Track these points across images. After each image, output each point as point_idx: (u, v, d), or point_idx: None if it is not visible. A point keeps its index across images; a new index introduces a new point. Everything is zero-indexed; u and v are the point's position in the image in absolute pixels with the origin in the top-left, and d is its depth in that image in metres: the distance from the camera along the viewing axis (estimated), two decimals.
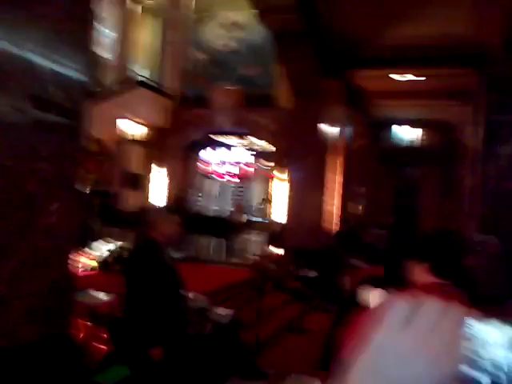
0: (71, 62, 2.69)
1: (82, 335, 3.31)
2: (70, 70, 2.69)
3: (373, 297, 2.18)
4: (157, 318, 2.61)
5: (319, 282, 7.70)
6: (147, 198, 17.14)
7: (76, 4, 2.70)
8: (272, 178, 15.86)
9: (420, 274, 2.01)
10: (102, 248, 6.74)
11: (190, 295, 4.61)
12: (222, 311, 4.68)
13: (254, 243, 11.13)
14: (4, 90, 2.31)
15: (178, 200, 15.39)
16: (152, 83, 17.92)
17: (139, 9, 19.34)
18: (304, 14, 7.74)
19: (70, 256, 2.80)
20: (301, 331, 6.30)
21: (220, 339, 4.33)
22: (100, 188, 13.62)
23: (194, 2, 18.49)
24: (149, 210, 3.52)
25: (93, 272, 6.48)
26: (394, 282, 2.16)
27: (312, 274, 7.81)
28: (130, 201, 16.01)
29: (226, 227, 10.22)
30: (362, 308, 2.06)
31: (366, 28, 8.69)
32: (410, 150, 15.94)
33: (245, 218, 11.92)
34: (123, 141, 16.55)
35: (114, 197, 14.47)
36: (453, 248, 2.11)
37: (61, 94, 2.62)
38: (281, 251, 10.26)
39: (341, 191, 12.20)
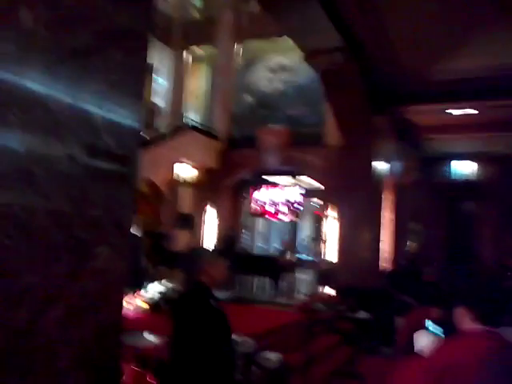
0: (123, 111, 2.79)
1: (128, 381, 3.29)
2: (122, 118, 2.78)
3: (427, 342, 2.11)
4: (205, 365, 2.56)
5: (371, 324, 7.41)
6: (199, 238, 17.37)
7: (130, 55, 2.82)
8: (322, 216, 15.71)
9: (467, 321, 1.98)
10: (154, 289, 6.80)
11: (238, 339, 4.55)
12: (270, 355, 4.57)
13: (303, 283, 10.94)
14: (59, 138, 2.41)
15: (228, 240, 15.48)
16: (202, 127, 18.49)
17: (190, 57, 20.21)
18: (353, 54, 7.79)
19: (120, 300, 2.83)
20: (354, 376, 6.05)
21: None
22: (152, 229, 13.95)
23: (242, 48, 19.13)
24: (198, 253, 3.52)
25: (144, 314, 6.53)
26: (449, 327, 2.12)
27: (364, 315, 7.54)
28: (181, 241, 16.27)
29: (275, 266, 10.11)
30: (416, 354, 2.06)
31: (417, 62, 8.63)
32: (465, 184, 15.42)
33: (294, 256, 11.77)
34: (176, 183, 17.02)
35: (166, 238, 14.75)
36: (498, 296, 2.04)
37: (113, 142, 2.71)
38: (331, 291, 10.01)
39: (393, 228, 11.89)
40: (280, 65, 19.02)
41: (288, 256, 11.58)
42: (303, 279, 11.80)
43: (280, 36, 16.70)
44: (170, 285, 6.97)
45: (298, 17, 7.36)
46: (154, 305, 6.50)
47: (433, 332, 2.16)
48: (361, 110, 9.20)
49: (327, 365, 6.03)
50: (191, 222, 17.25)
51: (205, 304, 2.67)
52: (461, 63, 8.33)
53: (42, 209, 2.34)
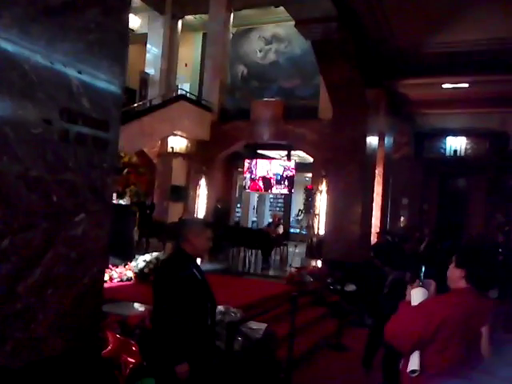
0: (102, 74, 2.70)
1: (111, 347, 3.29)
2: (101, 81, 2.70)
3: (416, 294, 2.27)
4: (183, 332, 2.55)
5: (358, 296, 7.49)
6: (189, 209, 17.34)
7: (108, 15, 2.70)
8: (314, 189, 15.70)
9: (457, 279, 2.22)
10: (139, 258, 6.79)
11: (222, 308, 4.56)
12: (256, 325, 4.59)
13: (292, 255, 10.99)
14: (33, 101, 2.33)
15: (218, 212, 15.45)
16: (195, 97, 18.22)
17: (183, 26, 19.77)
18: (345, 23, 7.62)
19: (100, 268, 2.79)
20: (339, 348, 6.12)
21: (252, 354, 4.24)
22: (141, 200, 13.89)
23: (236, 18, 18.73)
24: (182, 223, 3.49)
25: (129, 282, 6.54)
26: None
27: (350, 287, 7.62)
28: (171, 212, 16.23)
29: (264, 239, 10.13)
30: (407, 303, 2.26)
31: (412, 35, 8.48)
32: (456, 160, 15.42)
33: (282, 229, 11.79)
34: (168, 155, 16.86)
35: (154, 208, 14.70)
36: (489, 259, 2.28)
37: (91, 106, 2.62)
38: (319, 263, 10.08)
39: (381, 202, 11.91)
40: (274, 35, 18.71)
41: (279, 229, 11.60)
42: (294, 252, 11.84)
43: (275, 6, 16.39)
44: (155, 254, 6.95)
45: None
46: (141, 274, 6.49)
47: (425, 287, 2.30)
48: (353, 82, 9.07)
49: (313, 336, 6.09)
50: (184, 194, 17.19)
51: (184, 270, 2.64)
52: (456, 36, 8.20)
53: (15, 173, 2.28)
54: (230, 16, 18.62)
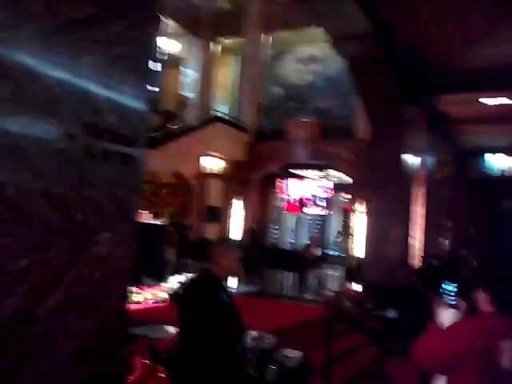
0: (127, 88, 2.62)
1: (137, 373, 3.14)
2: (126, 97, 2.62)
3: (450, 317, 2.24)
4: (210, 358, 2.37)
5: (400, 323, 7.11)
6: (225, 230, 17.27)
7: (134, 29, 2.63)
8: (350, 210, 15.36)
9: (483, 303, 2.23)
10: (173, 279, 6.68)
11: (256, 334, 4.35)
12: (291, 353, 4.35)
13: (330, 278, 10.67)
14: (56, 116, 2.25)
15: (253, 233, 15.30)
16: (230, 118, 18.34)
17: (219, 48, 20.07)
18: (382, 40, 7.44)
19: (124, 289, 2.67)
20: (380, 377, 5.78)
21: None
22: (178, 220, 13.91)
23: (271, 40, 18.87)
24: (212, 243, 3.34)
25: (162, 304, 6.42)
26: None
27: (391, 313, 7.24)
28: (207, 233, 16.19)
29: (301, 261, 9.87)
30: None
31: (451, 49, 8.18)
32: (501, 180, 14.74)
33: (320, 251, 11.49)
34: (202, 175, 16.94)
35: (191, 229, 14.70)
36: None
37: (116, 121, 2.54)
38: (359, 288, 9.71)
39: (424, 225, 11.48)
40: (309, 56, 18.68)
41: (315, 251, 11.30)
42: (331, 275, 11.51)
43: (309, 26, 16.38)
44: (189, 275, 6.83)
45: (326, 1, 7.09)
46: (175, 295, 6.36)
47: (452, 305, 2.28)
48: (391, 100, 8.81)
49: (352, 365, 5.77)
50: (219, 215, 17.16)
51: (210, 294, 2.48)
52: (497, 49, 7.84)
53: (38, 190, 2.19)
54: (266, 38, 18.78)
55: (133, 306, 6.24)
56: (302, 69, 18.89)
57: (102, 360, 2.54)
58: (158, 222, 8.34)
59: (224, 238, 3.07)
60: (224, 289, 2.64)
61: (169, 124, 17.29)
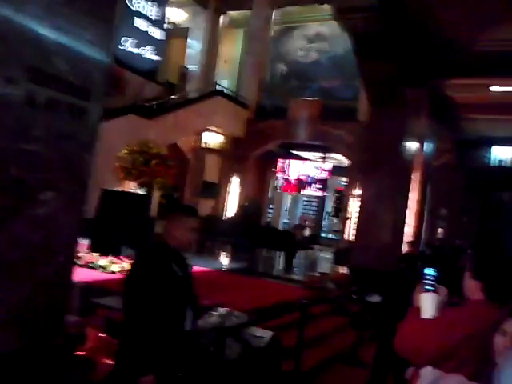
0: (84, 34, 2.36)
1: (89, 346, 2.95)
2: (82, 43, 2.36)
3: (426, 300, 2.10)
4: (152, 339, 2.17)
5: (383, 308, 6.94)
6: (220, 206, 17.09)
7: None
8: (347, 193, 15.15)
9: (474, 291, 2.10)
10: None
11: (223, 311, 4.17)
12: (261, 332, 4.17)
13: (319, 260, 10.51)
14: None
15: (245, 210, 15.12)
16: (232, 94, 17.98)
17: (225, 20, 19.57)
18: (387, 15, 7.08)
19: (69, 255, 2.45)
20: (355, 363, 5.62)
21: (252, 364, 3.83)
22: (168, 192, 13.71)
23: (275, 14, 18.37)
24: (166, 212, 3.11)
25: None
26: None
27: (375, 298, 7.06)
28: (201, 209, 16.01)
29: (288, 240, 9.69)
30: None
31: (462, 29, 7.80)
32: (501, 172, 14.45)
33: (308, 232, 11.30)
34: (199, 149, 16.66)
35: (177, 202, 14.50)
36: (508, 272, 2.12)
37: (66, 68, 2.29)
38: (346, 271, 9.55)
39: (418, 211, 11.25)
40: (316, 33, 18.22)
41: (305, 232, 11.13)
42: (321, 257, 11.35)
43: (319, 3, 15.95)
44: None
45: None
46: None
47: (430, 290, 2.13)
48: (392, 79, 8.45)
49: (328, 349, 5.62)
50: (215, 191, 16.96)
51: (160, 265, 2.27)
52: (508, 33, 7.49)
53: None
54: (272, 13, 18.29)
55: (107, 276, 6.08)
56: (307, 46, 18.44)
57: (40, 328, 2.34)
58: (142, 192, 8.10)
59: (180, 205, 2.74)
60: (179, 261, 2.42)
61: (168, 95, 16.95)
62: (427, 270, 2.21)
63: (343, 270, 10.02)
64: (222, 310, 4.02)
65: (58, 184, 2.32)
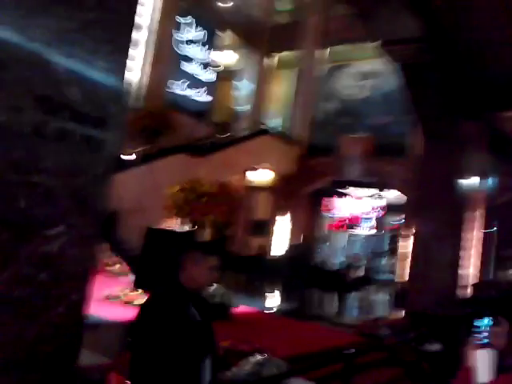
0: (98, 61, 2.25)
1: None
2: (95, 70, 2.25)
3: (482, 359, 1.84)
4: None
5: (443, 358, 6.32)
6: (270, 245, 16.79)
7: None
8: (400, 231, 14.49)
9: None
10: None
11: (260, 358, 3.85)
12: (302, 383, 3.81)
13: (373, 303, 9.92)
14: None
15: (298, 249, 14.72)
16: (281, 132, 18.00)
17: (274, 61, 19.85)
18: (436, 45, 6.77)
19: (79, 298, 2.26)
20: None
21: None
22: (219, 230, 13.62)
23: (327, 54, 18.44)
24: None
25: None
26: None
27: (435, 346, 6.47)
28: (251, 246, 15.78)
29: (339, 281, 9.22)
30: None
31: None
32: None
33: (362, 272, 10.75)
34: (249, 187, 16.62)
35: (233, 241, 14.35)
36: None
37: (79, 97, 2.18)
38: (402, 315, 8.91)
39: (482, 250, 10.50)
40: (366, 71, 18.08)
41: (358, 272, 10.60)
42: (375, 299, 10.75)
43: (367, 41, 15.83)
44: (215, 287, 6.42)
45: (379, 7, 6.57)
46: None
47: (485, 344, 1.86)
48: (447, 113, 8.03)
49: None
50: (266, 229, 16.75)
51: (174, 309, 2.04)
52: None
53: None
54: (322, 52, 18.37)
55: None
56: (358, 84, 18.28)
57: (48, 374, 2.14)
58: (181, 230, 8.00)
59: (197, 243, 2.45)
60: (196, 303, 2.18)
61: (219, 135, 17.19)
62: (480, 322, 1.85)
63: (400, 313, 9.38)
64: (259, 358, 3.71)
65: (69, 219, 2.17)
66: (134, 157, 12.70)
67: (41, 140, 2.05)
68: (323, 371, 4.20)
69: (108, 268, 9.14)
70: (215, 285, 6.77)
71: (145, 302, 2.14)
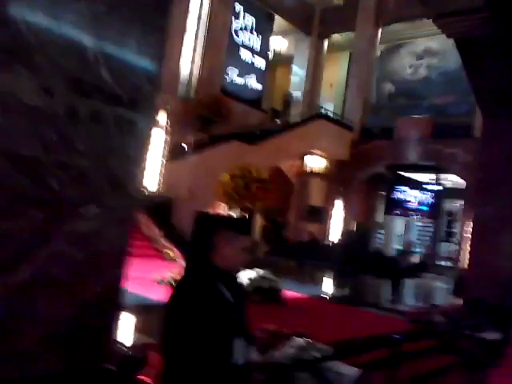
0: (130, 42, 2.27)
1: (149, 371, 2.78)
2: (128, 52, 2.26)
3: None
4: (195, 376, 1.92)
5: (501, 346, 6.01)
6: (325, 231, 16.64)
7: None
8: (462, 217, 13.89)
9: None
10: (243, 275, 6.31)
11: (303, 342, 3.79)
12: (345, 369, 3.73)
13: (429, 289, 9.59)
14: (31, 66, 1.96)
15: (352, 236, 14.50)
16: (335, 116, 17.67)
17: (327, 45, 19.46)
18: (495, 15, 6.35)
19: (115, 274, 2.31)
20: None
21: None
22: (273, 217, 13.64)
23: (383, 34, 17.83)
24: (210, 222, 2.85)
25: None
26: None
27: (492, 335, 6.16)
28: (305, 233, 15.70)
29: (393, 267, 8.98)
30: None
31: None
32: None
33: (417, 258, 10.41)
34: (303, 173, 16.48)
35: (285, 227, 14.33)
36: None
37: (111, 79, 2.20)
38: (459, 302, 8.56)
39: None
40: (425, 49, 17.33)
41: (413, 258, 10.27)
42: (431, 286, 10.37)
43: (424, 18, 15.15)
44: (261, 272, 6.42)
45: None
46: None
47: None
48: (505, 89, 7.53)
49: None
50: (321, 215, 16.60)
51: (206, 286, 2.02)
52: None
53: (1, 151, 1.92)
54: (377, 32, 17.79)
55: None
56: (415, 63, 17.59)
57: (85, 351, 2.22)
58: (231, 214, 8.05)
59: (229, 222, 2.29)
60: (229, 283, 2.15)
61: (273, 121, 17.15)
62: None
63: (458, 301, 9.03)
64: (301, 342, 3.66)
65: (103, 199, 2.21)
66: (188, 145, 12.93)
67: (73, 121, 2.09)
68: (370, 357, 4.11)
69: (164, 252, 9.40)
70: (264, 270, 6.79)
71: (179, 280, 2.14)
